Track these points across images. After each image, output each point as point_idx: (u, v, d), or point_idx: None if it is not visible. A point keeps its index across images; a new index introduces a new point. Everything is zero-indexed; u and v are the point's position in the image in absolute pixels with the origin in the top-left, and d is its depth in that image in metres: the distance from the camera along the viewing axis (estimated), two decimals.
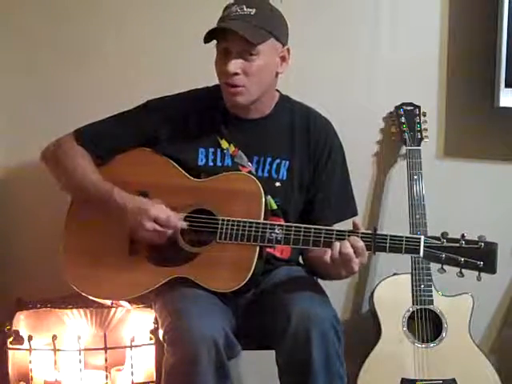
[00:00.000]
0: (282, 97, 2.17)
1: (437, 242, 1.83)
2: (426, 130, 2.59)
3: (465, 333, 2.47)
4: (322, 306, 1.93)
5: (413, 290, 2.47)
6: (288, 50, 2.06)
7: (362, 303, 2.73)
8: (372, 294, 2.52)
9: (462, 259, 1.81)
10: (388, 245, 1.85)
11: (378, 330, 2.47)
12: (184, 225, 1.99)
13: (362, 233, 1.87)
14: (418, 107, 2.61)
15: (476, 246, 1.81)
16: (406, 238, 1.85)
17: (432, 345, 2.45)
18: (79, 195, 2.11)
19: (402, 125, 2.58)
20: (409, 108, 2.60)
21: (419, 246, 1.83)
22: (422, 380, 2.42)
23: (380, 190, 2.70)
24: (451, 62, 2.65)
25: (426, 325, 2.46)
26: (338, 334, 1.88)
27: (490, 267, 1.82)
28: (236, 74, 1.97)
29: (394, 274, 2.52)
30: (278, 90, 2.16)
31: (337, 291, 2.56)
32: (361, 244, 1.85)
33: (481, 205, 2.71)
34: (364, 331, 2.59)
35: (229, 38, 1.96)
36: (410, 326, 2.46)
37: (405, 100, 2.61)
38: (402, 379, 2.42)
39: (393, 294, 2.49)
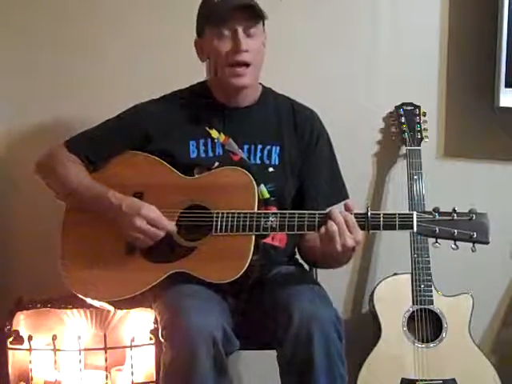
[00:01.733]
0: (265, 88, 2.20)
1: (429, 216, 1.84)
2: (426, 129, 2.59)
3: (465, 333, 2.47)
4: (324, 306, 1.93)
5: (413, 290, 2.47)
6: (265, 37, 2.11)
7: (362, 303, 2.74)
8: (372, 293, 2.52)
9: (456, 231, 1.82)
10: (382, 222, 1.86)
11: (378, 330, 2.47)
12: (174, 228, 1.99)
13: (356, 213, 1.88)
14: (418, 107, 2.61)
15: (468, 217, 1.83)
16: (399, 214, 1.86)
17: (432, 345, 2.45)
18: (74, 202, 2.11)
19: (402, 125, 2.58)
20: (409, 108, 2.60)
21: (412, 221, 1.84)
22: (421, 380, 2.42)
23: (380, 190, 2.70)
24: (451, 62, 2.66)
25: (426, 325, 2.46)
26: (339, 334, 1.88)
27: (484, 237, 1.83)
28: (246, 50, 2.01)
29: (394, 274, 2.52)
30: (260, 83, 2.18)
31: (337, 291, 2.56)
32: (350, 216, 1.86)
33: (481, 205, 2.69)
34: (364, 331, 2.59)
35: (234, 16, 1.99)
36: (410, 326, 2.46)
37: (405, 100, 2.61)
38: (402, 379, 2.42)
39: (393, 294, 2.49)
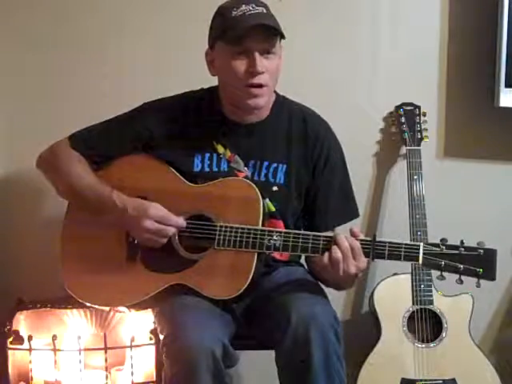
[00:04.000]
0: (279, 97, 2.14)
1: (436, 249, 1.82)
2: (426, 129, 2.59)
3: (465, 333, 2.47)
4: (322, 306, 1.92)
5: (413, 290, 2.46)
6: (281, 48, 2.05)
7: (362, 303, 2.74)
8: (372, 294, 2.52)
9: (462, 266, 1.81)
10: (387, 252, 1.85)
11: (378, 330, 2.47)
12: (183, 223, 1.97)
13: (361, 240, 1.86)
14: (418, 107, 2.61)
15: (475, 252, 1.81)
16: (405, 245, 1.85)
17: (432, 345, 2.45)
18: (76, 200, 2.09)
19: (402, 125, 2.58)
20: (409, 108, 2.60)
21: (418, 253, 1.83)
22: (421, 380, 2.42)
23: (380, 190, 2.70)
24: (451, 62, 2.65)
25: (426, 325, 2.46)
26: (337, 334, 1.87)
27: (490, 274, 1.81)
28: (262, 72, 1.95)
29: (394, 274, 2.51)
30: (274, 91, 2.13)
31: (337, 291, 2.55)
32: (357, 243, 1.85)
33: (481, 205, 2.71)
34: (364, 331, 2.59)
35: (252, 37, 1.92)
36: (410, 326, 2.46)
37: (405, 100, 2.61)
38: (402, 379, 2.42)
39: (393, 294, 2.49)
